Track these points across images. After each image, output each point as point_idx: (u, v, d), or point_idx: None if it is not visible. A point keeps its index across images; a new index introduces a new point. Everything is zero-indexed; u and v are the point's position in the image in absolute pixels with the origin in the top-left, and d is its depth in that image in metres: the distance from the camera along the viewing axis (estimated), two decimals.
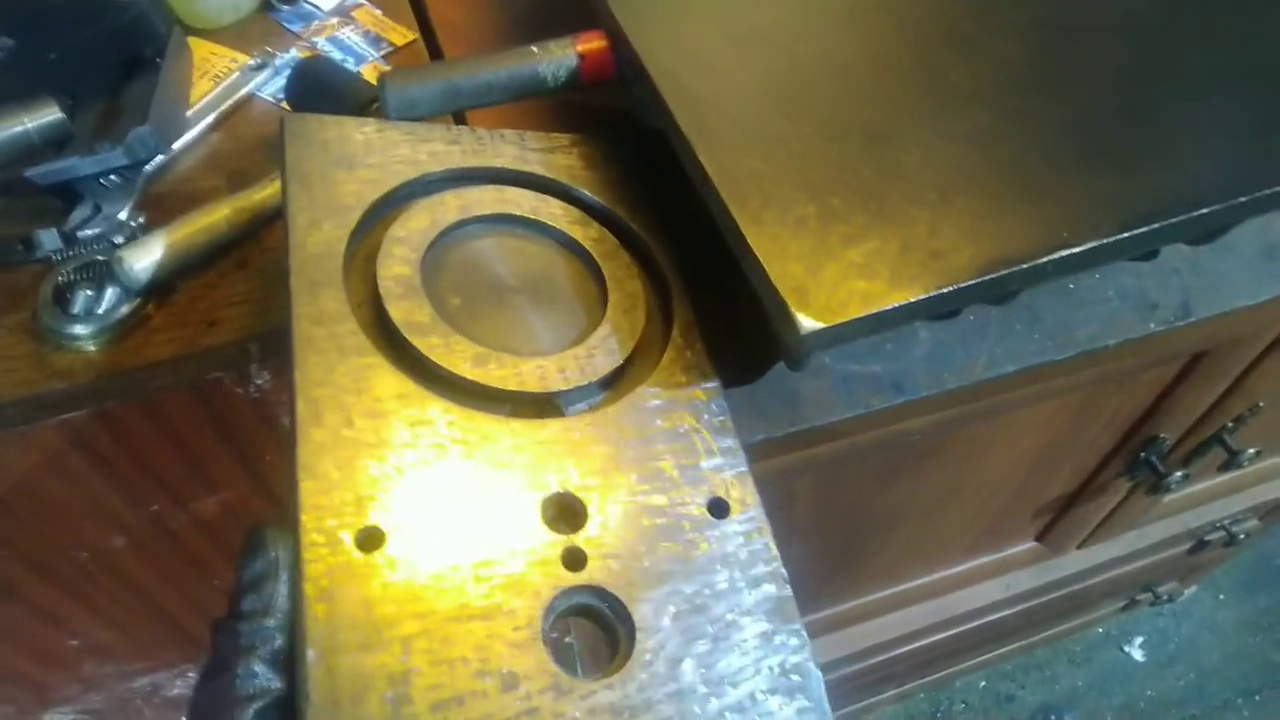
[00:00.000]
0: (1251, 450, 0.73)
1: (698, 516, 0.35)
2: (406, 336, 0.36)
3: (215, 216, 0.48)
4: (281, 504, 0.55)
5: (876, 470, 0.58)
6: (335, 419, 0.33)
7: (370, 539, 0.30)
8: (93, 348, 0.45)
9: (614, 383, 0.39)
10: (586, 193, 0.45)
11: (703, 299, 0.43)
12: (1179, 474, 0.72)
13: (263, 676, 0.28)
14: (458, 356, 0.36)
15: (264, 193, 0.50)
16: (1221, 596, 1.60)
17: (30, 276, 0.48)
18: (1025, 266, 0.38)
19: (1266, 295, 0.51)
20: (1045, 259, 0.38)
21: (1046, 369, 0.48)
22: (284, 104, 0.56)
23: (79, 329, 0.45)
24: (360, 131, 0.42)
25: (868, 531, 0.67)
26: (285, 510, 0.31)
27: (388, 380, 0.35)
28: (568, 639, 0.36)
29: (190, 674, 0.67)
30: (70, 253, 0.48)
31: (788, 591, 0.34)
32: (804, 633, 0.33)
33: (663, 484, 0.36)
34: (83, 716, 0.66)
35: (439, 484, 0.33)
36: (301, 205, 0.38)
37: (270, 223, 0.50)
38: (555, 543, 0.33)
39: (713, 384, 0.40)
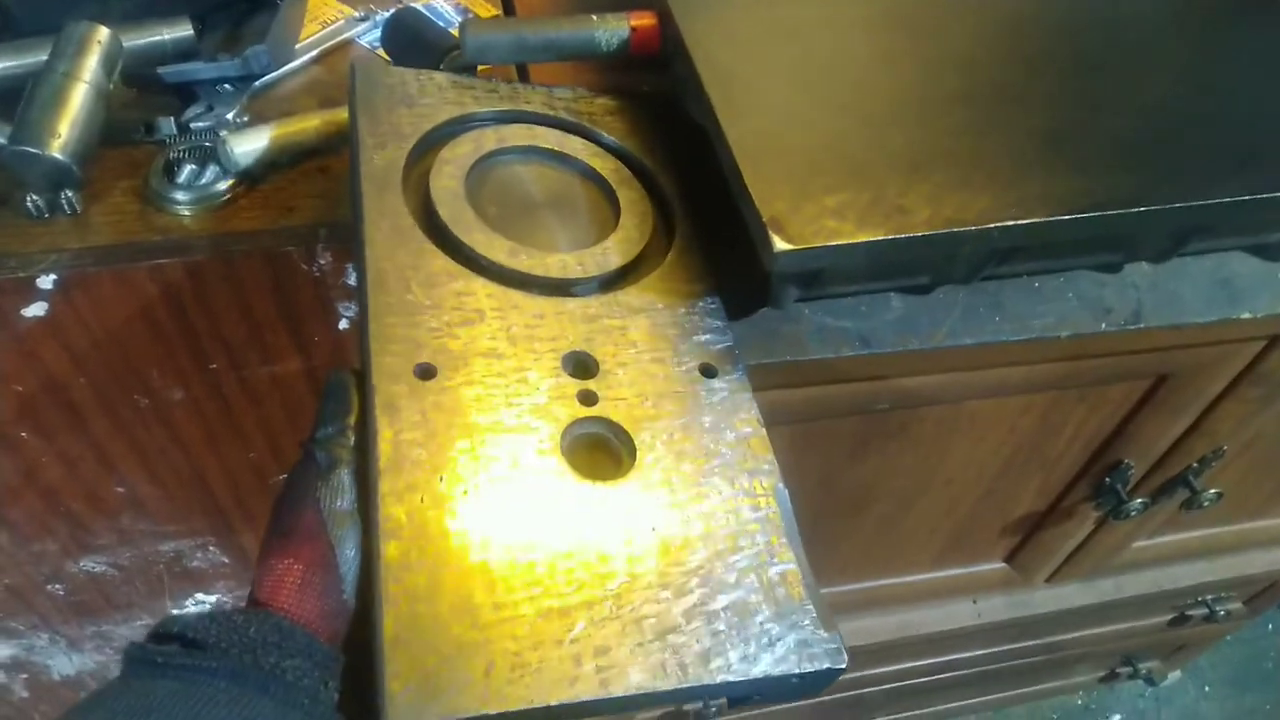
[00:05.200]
0: (1213, 491, 0.77)
1: (690, 374, 0.43)
2: (453, 231, 0.44)
3: (307, 124, 0.56)
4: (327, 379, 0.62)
5: (848, 438, 0.64)
6: (397, 286, 0.41)
7: (426, 372, 0.38)
8: (188, 213, 0.54)
9: (623, 278, 0.47)
10: (603, 133, 0.53)
11: (700, 242, 0.50)
12: (1139, 502, 0.76)
13: (342, 457, 0.35)
14: (495, 248, 0.44)
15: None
16: (1207, 689, 1.60)
17: (146, 154, 0.57)
18: (974, 229, 0.44)
19: (1214, 316, 0.56)
20: (992, 225, 0.45)
21: (1001, 348, 0.54)
22: (379, 51, 0.65)
23: (180, 196, 0.54)
24: (416, 79, 0.51)
25: (838, 509, 0.73)
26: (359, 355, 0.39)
27: (438, 261, 0.43)
28: None
29: (212, 548, 0.74)
30: (182, 138, 0.57)
31: (763, 432, 0.42)
32: (774, 460, 0.41)
33: (662, 349, 0.43)
34: (111, 570, 0.74)
35: (479, 337, 0.41)
36: (368, 131, 0.47)
37: None
38: (572, 384, 0.40)
39: (706, 283, 0.47)
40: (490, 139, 0.50)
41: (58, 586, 0.74)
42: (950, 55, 0.55)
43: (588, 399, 0.40)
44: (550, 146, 0.51)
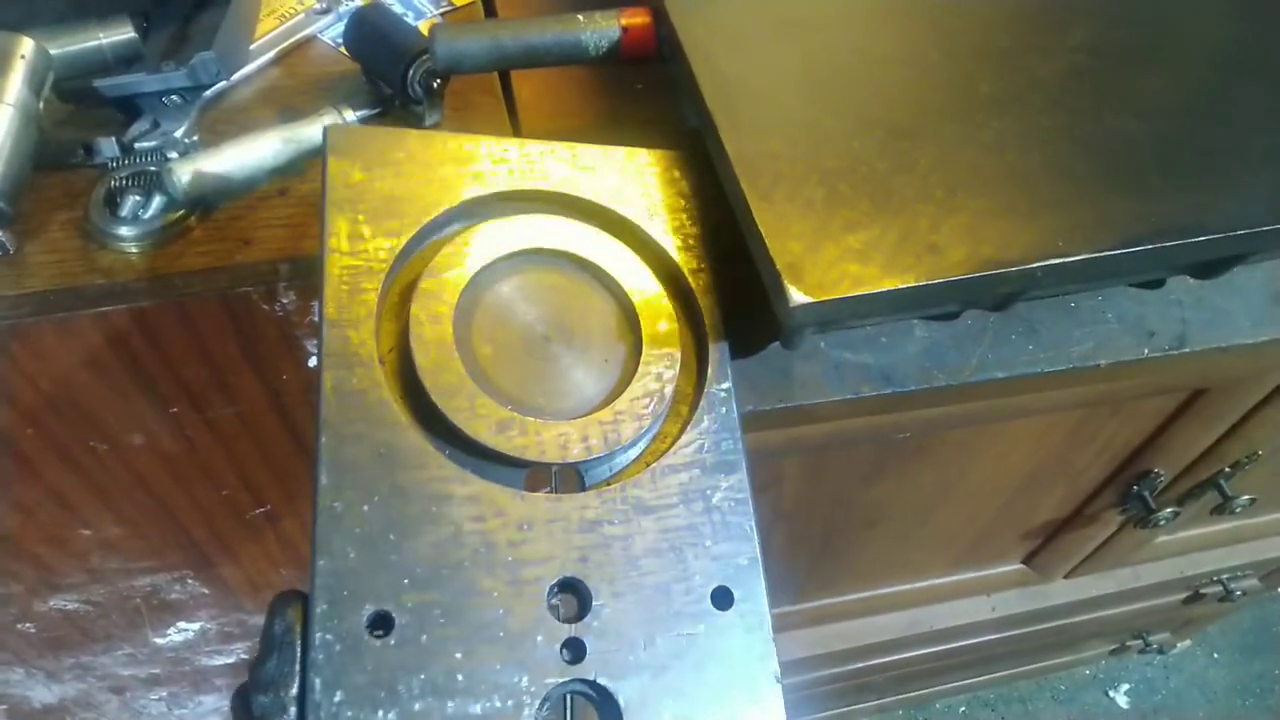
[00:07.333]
0: (1245, 498, 0.73)
1: (699, 605, 0.35)
2: (434, 399, 0.36)
3: (264, 143, 0.51)
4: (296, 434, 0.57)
5: (864, 462, 0.60)
6: (355, 485, 0.33)
7: (379, 623, 0.32)
8: (135, 250, 0.48)
9: (640, 452, 0.39)
10: (630, 218, 0.44)
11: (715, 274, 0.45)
12: (1169, 511, 0.72)
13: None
14: (481, 421, 0.36)
15: (312, 127, 0.52)
16: (1216, 655, 1.59)
17: (86, 180, 0.51)
18: (1016, 270, 0.39)
19: (1266, 336, 0.52)
20: (1037, 264, 0.39)
21: (1035, 379, 0.49)
22: (342, 48, 0.59)
23: (124, 231, 0.48)
24: (404, 148, 0.41)
25: (852, 525, 0.69)
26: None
27: (409, 437, 0.35)
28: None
29: (190, 580, 0.70)
30: (125, 161, 0.51)
31: (778, 690, 0.35)
32: None
33: (670, 568, 0.36)
34: (85, 606, 0.70)
35: (450, 570, 0.33)
36: (338, 237, 0.38)
37: (314, 156, 0.53)
38: (558, 628, 0.34)
39: (737, 454, 0.39)
40: (491, 242, 0.40)
41: (28, 625, 0.70)
42: (980, 50, 0.49)
43: (574, 650, 0.33)
44: (566, 249, 0.42)
